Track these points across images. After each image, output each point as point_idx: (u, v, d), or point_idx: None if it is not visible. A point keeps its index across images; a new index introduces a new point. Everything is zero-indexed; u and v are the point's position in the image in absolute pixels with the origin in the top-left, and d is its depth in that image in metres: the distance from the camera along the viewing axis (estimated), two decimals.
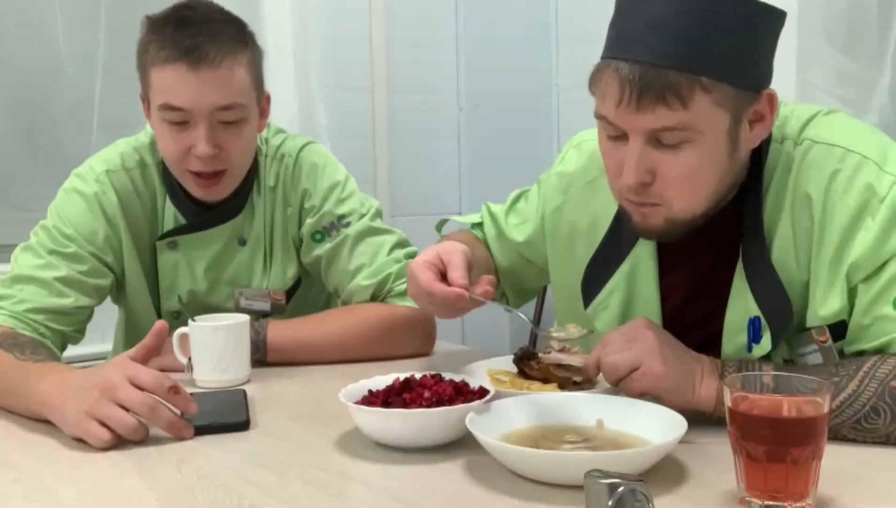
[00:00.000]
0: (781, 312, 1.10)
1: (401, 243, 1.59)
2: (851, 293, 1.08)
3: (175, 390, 1.09)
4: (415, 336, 1.55)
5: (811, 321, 1.10)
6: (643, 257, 1.22)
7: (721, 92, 1.01)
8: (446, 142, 2.72)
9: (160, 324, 1.17)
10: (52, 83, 2.16)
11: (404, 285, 1.51)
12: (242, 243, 1.56)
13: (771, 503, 0.83)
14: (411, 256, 1.58)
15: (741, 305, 1.13)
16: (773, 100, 1.07)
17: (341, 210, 1.56)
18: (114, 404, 1.08)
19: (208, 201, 1.51)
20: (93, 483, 0.99)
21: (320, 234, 1.56)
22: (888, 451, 1.00)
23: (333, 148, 2.40)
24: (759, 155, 1.12)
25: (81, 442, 1.10)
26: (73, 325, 1.45)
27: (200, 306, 1.54)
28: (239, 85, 1.41)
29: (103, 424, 1.08)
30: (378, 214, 1.62)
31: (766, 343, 1.11)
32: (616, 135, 1.07)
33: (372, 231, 1.57)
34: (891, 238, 1.04)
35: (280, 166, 1.57)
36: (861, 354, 1.07)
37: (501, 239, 1.46)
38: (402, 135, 2.61)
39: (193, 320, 1.39)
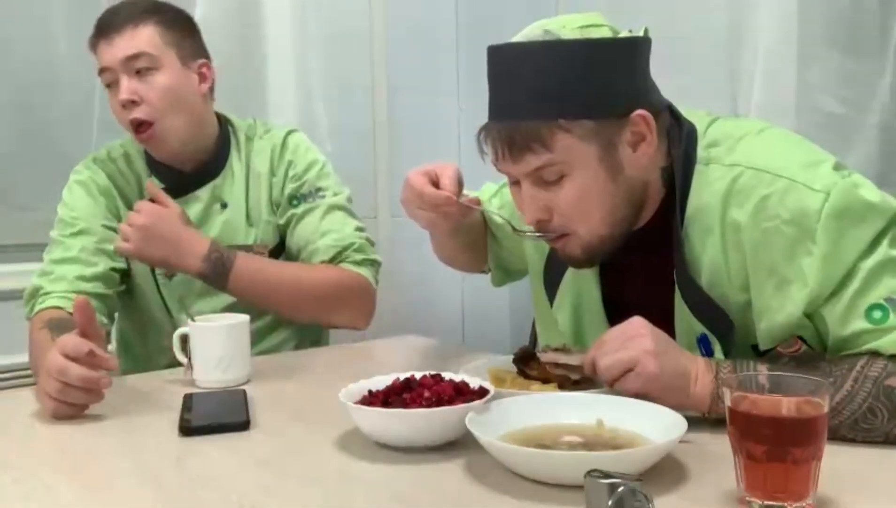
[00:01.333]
0: (722, 323, 1.13)
1: (364, 229, 1.73)
2: (813, 316, 1.08)
3: (91, 353, 1.18)
4: (357, 303, 1.66)
5: (763, 342, 1.12)
6: None
7: (581, 127, 1.09)
8: (446, 142, 2.72)
9: (79, 300, 1.25)
10: (52, 83, 2.16)
11: (360, 257, 1.68)
12: (224, 206, 1.70)
13: (771, 503, 0.83)
14: (371, 242, 1.73)
15: (686, 323, 1.17)
16: (646, 120, 1.11)
17: (320, 183, 1.72)
18: (48, 376, 1.19)
19: (168, 160, 1.65)
20: (93, 483, 0.99)
21: (297, 199, 1.70)
22: (888, 451, 1.00)
23: (333, 148, 2.40)
24: (673, 173, 1.16)
25: (80, 443, 1.10)
26: (113, 287, 1.62)
27: None
28: (144, 39, 1.56)
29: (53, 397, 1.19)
30: (350, 200, 1.76)
31: (719, 355, 1.14)
32: (514, 181, 1.18)
33: (344, 209, 1.72)
34: (838, 254, 1.04)
35: (268, 143, 1.73)
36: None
37: (486, 216, 1.53)
38: (402, 135, 2.61)
39: (193, 320, 1.39)
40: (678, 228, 1.14)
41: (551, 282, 1.34)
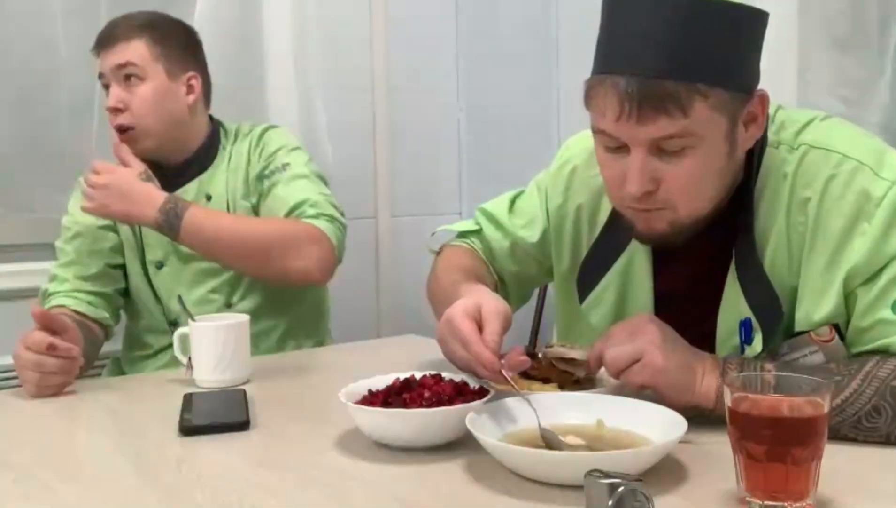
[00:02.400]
0: (772, 313, 1.11)
1: (330, 195, 1.74)
2: (849, 298, 1.08)
3: (52, 347, 1.32)
4: (310, 253, 1.64)
5: (800, 324, 1.11)
6: (638, 255, 1.24)
7: (717, 96, 1.02)
8: (446, 142, 2.72)
9: (34, 311, 1.37)
10: (52, 83, 2.16)
11: (315, 211, 1.68)
12: (209, 198, 1.75)
13: (771, 503, 0.83)
14: (334, 205, 1.72)
15: (733, 306, 1.15)
16: (764, 100, 1.09)
17: (287, 159, 1.75)
18: (23, 368, 1.35)
19: (148, 158, 1.70)
20: (93, 483, 0.99)
21: (265, 177, 1.74)
22: (888, 451, 1.00)
23: (333, 148, 2.40)
24: (751, 157, 1.14)
25: (80, 443, 1.10)
26: (112, 285, 1.75)
27: (180, 253, 1.72)
28: (132, 52, 1.69)
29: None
30: (322, 178, 1.78)
31: (757, 345, 1.12)
32: (615, 147, 1.08)
33: (308, 176, 1.74)
34: (888, 242, 1.05)
35: (247, 138, 1.80)
36: (860, 356, 1.07)
37: (511, 243, 1.43)
38: (402, 135, 2.61)
39: (193, 320, 1.39)
40: (748, 206, 1.12)
41: (588, 279, 1.29)
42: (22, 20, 2.12)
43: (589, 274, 1.29)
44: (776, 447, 0.82)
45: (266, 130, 1.82)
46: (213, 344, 1.37)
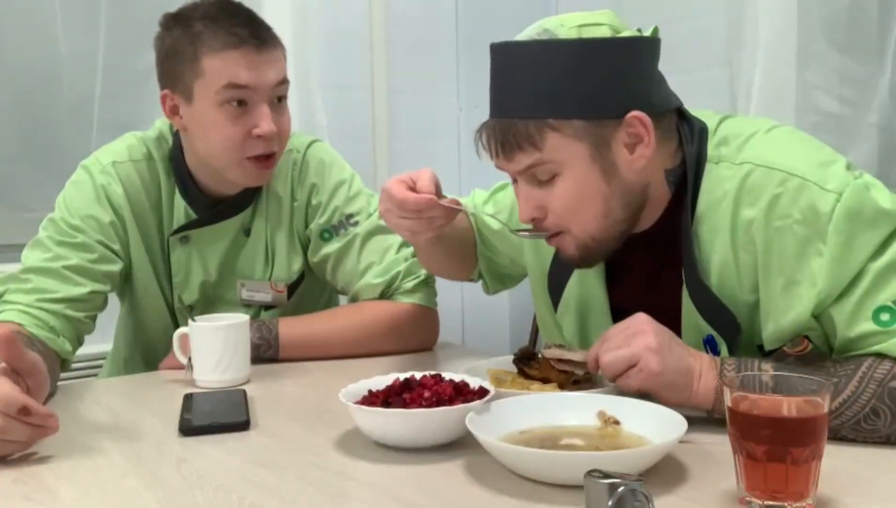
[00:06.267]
0: (730, 324, 1.13)
1: (406, 243, 1.62)
2: (822, 318, 1.07)
3: (24, 411, 1.01)
4: (419, 331, 1.59)
5: (770, 343, 1.11)
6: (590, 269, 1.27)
7: (571, 127, 1.09)
8: (446, 142, 2.72)
9: (5, 334, 1.07)
10: (52, 83, 2.16)
11: (412, 283, 1.59)
12: (247, 233, 1.59)
13: (771, 503, 0.83)
14: (416, 255, 1.61)
15: (692, 324, 1.17)
16: (643, 121, 1.10)
17: (350, 209, 1.60)
18: None
19: (252, 186, 1.54)
20: (93, 484, 0.99)
21: (328, 233, 1.60)
22: (888, 451, 1.00)
23: (333, 148, 2.40)
24: (685, 173, 1.15)
25: (80, 443, 1.10)
26: (88, 311, 1.45)
27: (211, 299, 1.59)
28: (284, 63, 1.51)
29: None
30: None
31: (724, 355, 1.14)
32: (514, 179, 1.18)
33: (380, 230, 1.60)
34: (848, 256, 1.03)
35: (287, 160, 1.60)
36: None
37: (478, 224, 1.53)
38: (402, 135, 2.61)
39: (193, 319, 1.39)
40: (688, 226, 1.14)
41: (555, 288, 1.33)
42: (22, 20, 2.13)
43: (555, 283, 1.34)
44: (776, 447, 0.82)
45: (307, 151, 1.62)
46: (213, 344, 1.37)
